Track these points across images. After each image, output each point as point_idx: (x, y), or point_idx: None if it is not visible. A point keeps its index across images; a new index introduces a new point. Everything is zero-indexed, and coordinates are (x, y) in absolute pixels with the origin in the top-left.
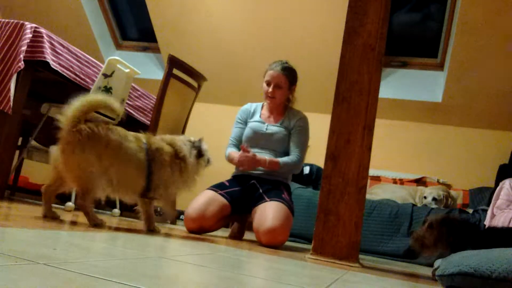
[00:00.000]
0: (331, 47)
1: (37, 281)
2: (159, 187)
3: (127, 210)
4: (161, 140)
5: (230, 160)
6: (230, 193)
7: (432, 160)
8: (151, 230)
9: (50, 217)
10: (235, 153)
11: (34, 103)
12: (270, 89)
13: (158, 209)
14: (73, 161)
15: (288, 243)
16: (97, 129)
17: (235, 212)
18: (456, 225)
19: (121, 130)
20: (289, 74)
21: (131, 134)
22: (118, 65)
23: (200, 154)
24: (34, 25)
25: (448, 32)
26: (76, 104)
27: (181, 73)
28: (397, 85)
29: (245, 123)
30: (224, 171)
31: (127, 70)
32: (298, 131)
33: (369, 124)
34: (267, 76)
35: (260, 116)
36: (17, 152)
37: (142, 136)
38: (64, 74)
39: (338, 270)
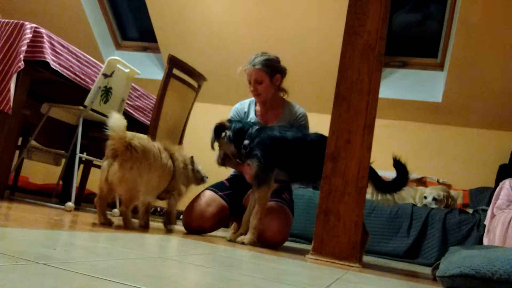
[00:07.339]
0: (331, 47)
1: (37, 281)
2: (176, 183)
3: None
4: (177, 151)
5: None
6: (230, 194)
7: (432, 160)
8: (169, 229)
9: (106, 223)
10: None
11: (34, 103)
12: (252, 88)
13: (158, 209)
14: (129, 176)
15: (288, 243)
16: (147, 143)
17: (234, 214)
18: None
19: (154, 142)
20: (264, 67)
21: (156, 145)
22: (118, 65)
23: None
24: (34, 25)
25: (448, 32)
26: (120, 122)
27: (181, 73)
28: (397, 85)
29: None
30: (223, 170)
31: (127, 70)
32: (303, 127)
33: (369, 124)
34: (246, 75)
35: (255, 114)
36: (17, 152)
37: (162, 145)
38: (64, 74)
39: (338, 270)
